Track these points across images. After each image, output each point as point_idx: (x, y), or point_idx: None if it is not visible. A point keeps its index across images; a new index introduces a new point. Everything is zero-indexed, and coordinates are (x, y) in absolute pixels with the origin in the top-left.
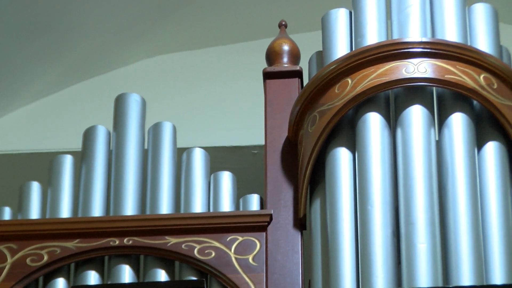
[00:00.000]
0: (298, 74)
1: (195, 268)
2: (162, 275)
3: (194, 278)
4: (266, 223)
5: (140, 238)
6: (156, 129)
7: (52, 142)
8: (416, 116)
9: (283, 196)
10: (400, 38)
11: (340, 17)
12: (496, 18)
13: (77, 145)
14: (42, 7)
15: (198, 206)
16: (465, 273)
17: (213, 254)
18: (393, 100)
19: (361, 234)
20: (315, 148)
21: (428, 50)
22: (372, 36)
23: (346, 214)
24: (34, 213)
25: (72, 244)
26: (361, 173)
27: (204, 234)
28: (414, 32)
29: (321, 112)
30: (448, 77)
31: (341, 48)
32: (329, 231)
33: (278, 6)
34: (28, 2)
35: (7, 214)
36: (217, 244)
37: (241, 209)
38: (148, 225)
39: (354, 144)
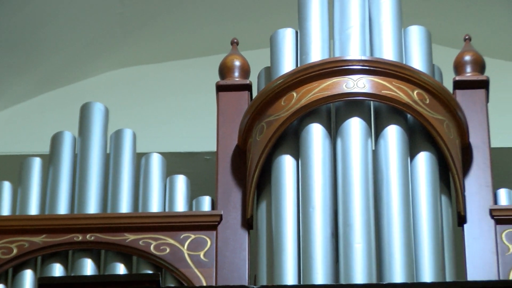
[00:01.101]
0: (248, 87)
1: (151, 263)
2: (121, 269)
3: (150, 272)
4: (217, 223)
5: (102, 235)
6: (117, 135)
7: (22, 145)
8: (354, 127)
9: (232, 198)
10: (341, 56)
11: (287, 36)
12: (429, 39)
13: (45, 149)
14: (15, 24)
15: (154, 206)
16: (397, 271)
17: (168, 250)
18: (334, 113)
19: (303, 234)
20: (262, 155)
21: (367, 68)
22: (316, 54)
23: (289, 215)
24: (5, 210)
25: (39, 239)
26: (304, 178)
27: (159, 231)
28: (354, 51)
29: (268, 123)
30: (384, 92)
31: (287, 64)
32: (273, 231)
33: (231, 25)
34: (2, 19)
35: None
36: (171, 241)
37: (194, 209)
38: (109, 223)
39: (297, 152)
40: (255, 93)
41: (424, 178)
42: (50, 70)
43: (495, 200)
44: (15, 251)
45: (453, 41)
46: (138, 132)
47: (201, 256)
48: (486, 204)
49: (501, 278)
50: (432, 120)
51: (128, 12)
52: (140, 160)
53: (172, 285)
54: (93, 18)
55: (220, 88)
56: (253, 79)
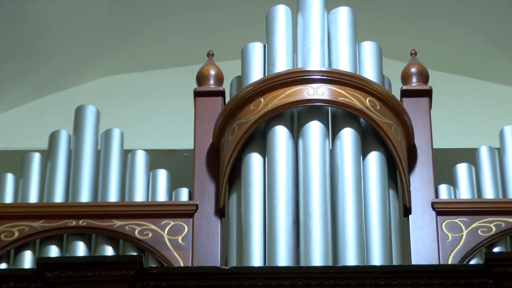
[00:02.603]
0: (222, 93)
1: (135, 246)
2: (109, 251)
3: (135, 254)
4: (193, 211)
5: (92, 221)
6: (107, 134)
7: (23, 142)
8: (314, 129)
9: (207, 190)
10: (303, 67)
11: (256, 49)
12: (380, 53)
13: (44, 145)
14: (15, 35)
15: (139, 196)
16: (350, 255)
17: (150, 235)
18: (296, 116)
19: (268, 222)
20: (233, 153)
21: (325, 78)
22: (281, 65)
23: (256, 205)
24: (8, 198)
25: (38, 224)
26: (269, 173)
27: (143, 218)
28: (315, 63)
29: (239, 124)
30: (340, 99)
31: (256, 74)
32: (243, 219)
33: (207, 39)
34: (4, 31)
35: None
36: (153, 227)
37: (173, 199)
38: (99, 210)
39: (264, 150)
40: (228, 99)
41: (375, 175)
42: (47, 77)
43: (437, 194)
44: (16, 234)
45: (401, 55)
46: (125, 131)
47: (180, 240)
48: (429, 198)
49: (441, 262)
50: (382, 124)
51: (116, 27)
52: (126, 156)
53: (154, 266)
54: (85, 31)
55: (197, 94)
56: (226, 86)
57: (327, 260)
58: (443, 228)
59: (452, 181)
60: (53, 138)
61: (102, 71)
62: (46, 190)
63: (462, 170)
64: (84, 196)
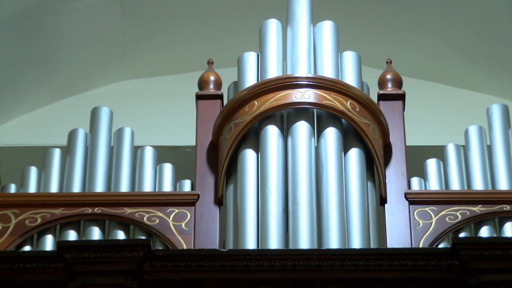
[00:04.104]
0: (220, 97)
1: (144, 231)
2: (121, 235)
3: (144, 237)
4: (195, 200)
5: (106, 208)
6: (119, 132)
7: (45, 139)
8: (301, 129)
9: (207, 182)
10: (292, 74)
11: (250, 58)
12: (360, 62)
13: (63, 142)
14: (36, 45)
15: (147, 187)
16: (333, 239)
17: (157, 221)
18: (286, 117)
19: (261, 210)
20: (230, 149)
21: (311, 83)
22: (273, 72)
23: (251, 196)
24: (32, 188)
25: (58, 211)
26: (262, 167)
27: (151, 206)
28: (302, 70)
29: (235, 124)
30: (324, 102)
31: (250, 79)
32: (238, 207)
33: (207, 49)
34: (28, 41)
35: (12, 189)
36: (160, 214)
37: (177, 190)
38: (112, 199)
39: (257, 147)
40: (225, 101)
41: (355, 168)
42: (66, 82)
43: (409, 186)
44: (39, 220)
45: (378, 63)
46: (135, 130)
47: (183, 226)
48: (402, 189)
49: (413, 246)
50: (361, 124)
51: (126, 37)
52: (136, 151)
53: (160, 248)
54: (99, 41)
55: (198, 97)
56: (224, 90)
57: (312, 244)
58: (415, 216)
59: (422, 175)
60: (72, 135)
61: (114, 76)
62: (65, 181)
63: (431, 164)
64: (99, 186)
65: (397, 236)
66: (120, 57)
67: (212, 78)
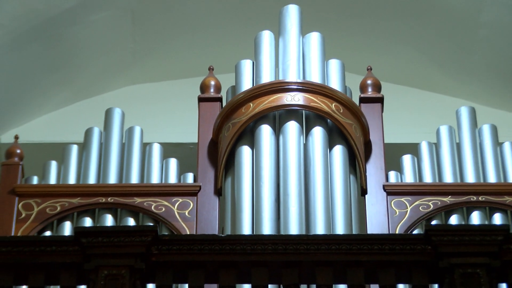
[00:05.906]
0: (220, 99)
1: (152, 218)
2: (131, 222)
3: (151, 224)
4: (197, 191)
5: (118, 198)
6: (130, 131)
7: (64, 136)
8: (292, 128)
9: (208, 175)
10: (283, 79)
11: (246, 65)
12: (343, 69)
13: (80, 139)
14: (57, 52)
15: (155, 179)
16: (319, 226)
17: (164, 209)
18: (278, 118)
19: (255, 200)
20: (228, 146)
21: (301, 87)
22: (266, 77)
23: (246, 187)
24: (52, 180)
25: (76, 201)
26: (257, 162)
27: (158, 196)
28: (292, 75)
29: (233, 124)
30: (312, 104)
31: (246, 84)
32: (236, 198)
33: (208, 57)
34: (48, 49)
35: (35, 180)
36: (166, 203)
37: (181, 182)
38: (124, 190)
39: (253, 144)
40: (224, 103)
41: (339, 163)
42: (83, 85)
43: (387, 179)
44: (58, 208)
45: (359, 70)
46: (144, 128)
47: (186, 214)
48: (381, 182)
49: (391, 232)
50: (345, 124)
51: (137, 46)
52: (145, 148)
53: (166, 233)
54: (112, 50)
55: (200, 100)
56: (223, 93)
57: (301, 230)
58: (392, 205)
59: (399, 169)
60: (88, 133)
61: (126, 81)
62: (82, 174)
63: (407, 160)
64: (112, 178)
65: (376, 223)
66: (131, 63)
67: (212, 82)
